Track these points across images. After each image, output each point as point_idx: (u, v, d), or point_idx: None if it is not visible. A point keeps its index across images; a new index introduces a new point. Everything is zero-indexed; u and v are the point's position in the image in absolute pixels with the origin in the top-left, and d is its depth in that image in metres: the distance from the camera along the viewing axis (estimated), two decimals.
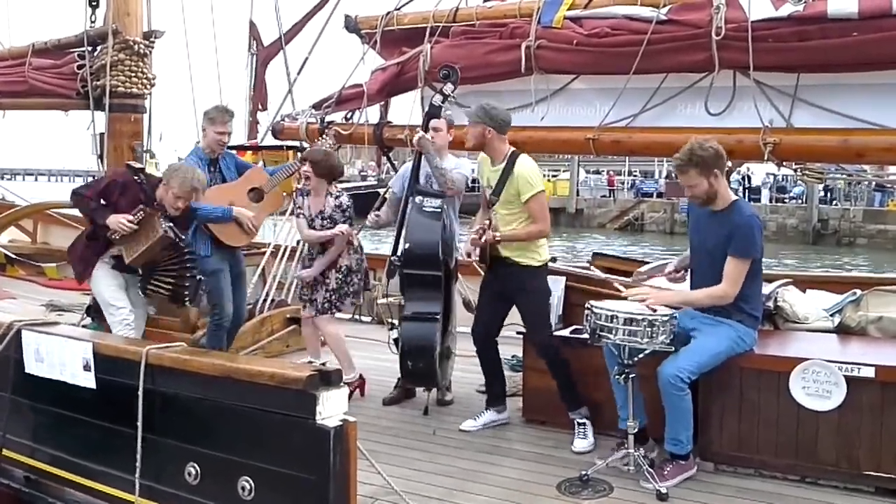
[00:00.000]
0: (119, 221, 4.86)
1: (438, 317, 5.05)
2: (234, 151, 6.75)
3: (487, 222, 4.80)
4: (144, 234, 4.86)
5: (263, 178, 5.86)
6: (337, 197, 5.59)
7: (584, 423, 4.80)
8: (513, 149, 4.91)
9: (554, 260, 5.79)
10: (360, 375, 5.74)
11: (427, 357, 4.98)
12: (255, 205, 5.78)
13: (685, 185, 4.32)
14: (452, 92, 5.31)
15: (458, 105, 5.75)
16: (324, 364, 4.50)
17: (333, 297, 5.59)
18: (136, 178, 5.12)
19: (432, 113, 5.35)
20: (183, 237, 5.06)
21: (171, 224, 4.96)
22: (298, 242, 7.25)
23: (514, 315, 5.11)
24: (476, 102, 6.32)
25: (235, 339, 6.12)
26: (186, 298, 5.14)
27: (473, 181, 6.30)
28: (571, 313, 5.31)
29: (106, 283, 5.12)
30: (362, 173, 36.56)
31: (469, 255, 5.00)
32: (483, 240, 4.74)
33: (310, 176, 5.52)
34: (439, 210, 5.16)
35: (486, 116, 4.81)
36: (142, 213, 4.86)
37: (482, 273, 5.22)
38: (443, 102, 5.30)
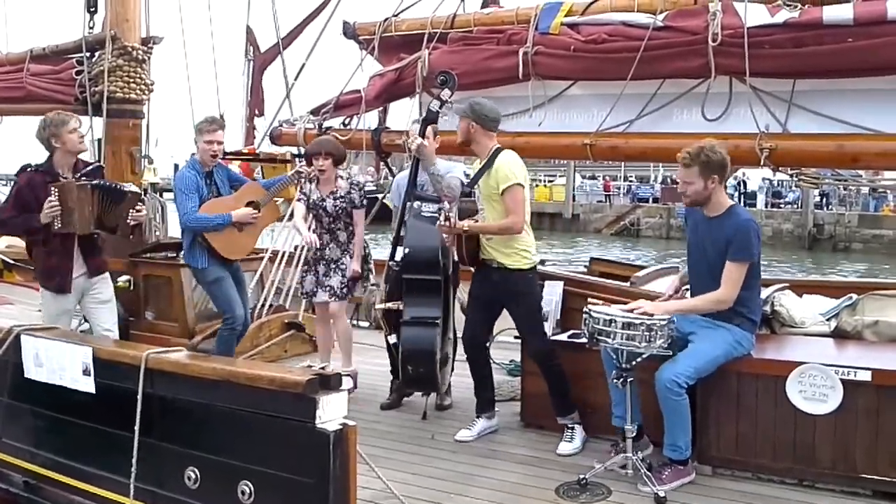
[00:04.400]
0: (45, 210, 4.84)
1: (438, 321, 5.05)
2: (231, 159, 6.77)
3: (452, 213, 4.76)
4: (70, 199, 4.87)
5: (260, 192, 5.85)
6: (348, 179, 5.86)
7: (572, 428, 4.82)
8: (498, 146, 4.91)
9: (542, 263, 5.80)
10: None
11: (427, 362, 4.97)
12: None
13: (682, 180, 4.38)
14: (450, 98, 5.33)
15: (455, 112, 5.76)
16: (324, 368, 4.50)
17: (350, 282, 5.76)
18: (30, 170, 5.09)
19: (430, 119, 5.36)
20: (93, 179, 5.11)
21: (78, 175, 5.05)
22: (296, 248, 7.27)
23: (510, 320, 5.13)
24: None
25: None
26: (127, 191, 5.12)
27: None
28: (569, 318, 5.33)
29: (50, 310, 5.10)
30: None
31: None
32: (448, 223, 4.69)
33: (326, 168, 5.71)
34: (437, 215, 5.18)
35: (471, 112, 4.85)
36: (53, 188, 4.87)
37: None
38: (440, 108, 5.31)
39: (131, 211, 5.08)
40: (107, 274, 5.35)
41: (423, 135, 5.38)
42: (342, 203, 5.74)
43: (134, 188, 5.27)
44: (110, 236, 5.25)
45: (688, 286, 4.65)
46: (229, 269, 5.71)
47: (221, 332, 5.72)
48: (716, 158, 4.26)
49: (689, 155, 4.29)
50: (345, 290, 5.77)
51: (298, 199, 5.86)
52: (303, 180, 5.79)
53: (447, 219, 4.71)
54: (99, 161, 6.85)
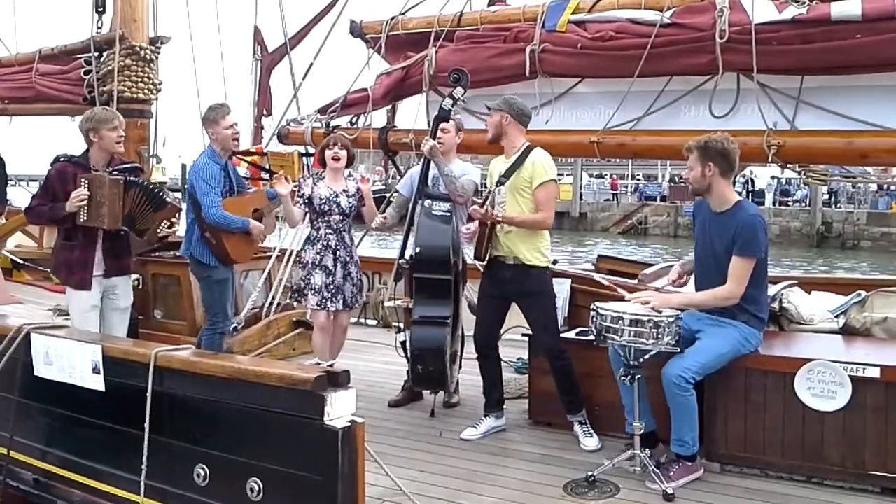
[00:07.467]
0: (72, 199, 4.85)
1: (449, 321, 5.04)
2: (240, 159, 6.78)
3: (488, 203, 4.74)
4: (100, 193, 4.87)
5: (265, 202, 5.84)
6: (354, 179, 5.84)
7: (585, 423, 4.82)
8: (529, 143, 4.90)
9: (555, 262, 5.79)
10: None
11: (438, 361, 4.96)
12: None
13: (687, 166, 4.44)
14: (462, 96, 5.32)
15: (465, 110, 5.76)
16: (331, 365, 4.52)
17: (357, 291, 5.69)
18: (64, 160, 5.10)
19: (442, 116, 5.34)
20: (130, 177, 5.09)
21: (111, 170, 5.05)
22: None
23: (520, 318, 5.13)
24: (481, 106, 6.38)
25: (242, 342, 6.14)
26: (168, 202, 5.19)
27: (483, 187, 6.31)
28: (577, 315, 5.33)
29: (78, 306, 5.08)
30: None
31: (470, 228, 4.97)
32: (485, 210, 4.68)
33: (341, 158, 5.64)
34: (449, 214, 5.16)
35: (506, 104, 4.86)
36: (84, 179, 4.89)
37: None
38: (452, 106, 5.29)
39: (165, 221, 5.16)
40: (129, 277, 5.32)
41: (434, 133, 5.36)
42: (354, 200, 5.72)
43: (174, 200, 5.31)
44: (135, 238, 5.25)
45: (691, 272, 4.65)
46: (231, 272, 5.67)
47: (211, 335, 5.56)
48: (715, 146, 4.28)
49: (695, 140, 4.36)
50: (353, 301, 5.68)
51: (296, 203, 5.79)
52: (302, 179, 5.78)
53: (482, 205, 4.71)
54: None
